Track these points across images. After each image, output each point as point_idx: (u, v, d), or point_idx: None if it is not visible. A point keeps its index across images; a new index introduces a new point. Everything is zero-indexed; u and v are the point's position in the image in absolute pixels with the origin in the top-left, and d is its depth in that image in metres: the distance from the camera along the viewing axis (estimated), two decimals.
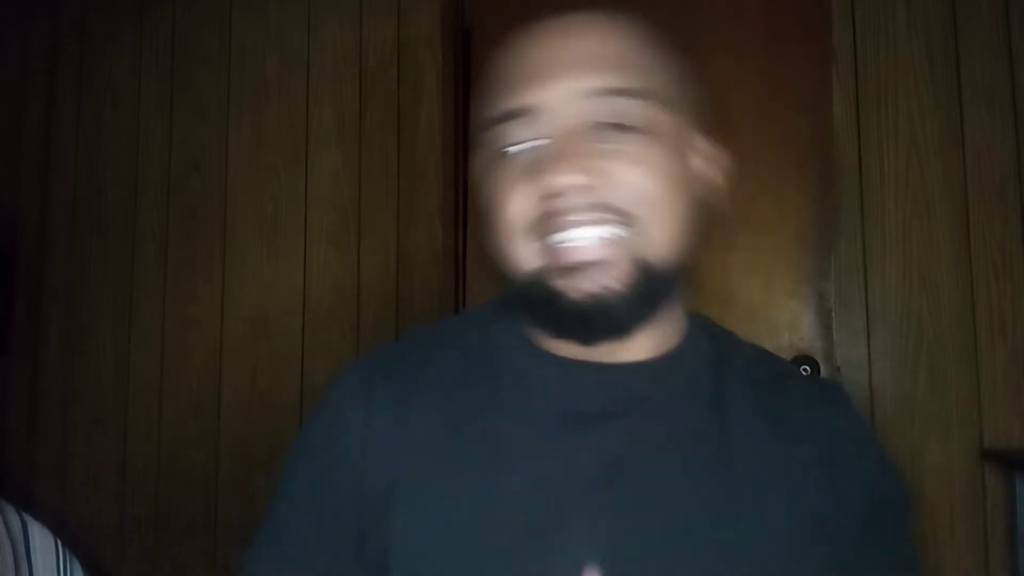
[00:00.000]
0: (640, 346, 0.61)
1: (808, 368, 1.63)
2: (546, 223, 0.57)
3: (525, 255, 0.58)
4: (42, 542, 0.83)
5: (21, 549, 0.81)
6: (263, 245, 1.91)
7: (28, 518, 0.84)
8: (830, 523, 0.59)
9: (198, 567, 1.84)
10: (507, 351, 0.65)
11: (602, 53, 0.59)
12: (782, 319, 1.68)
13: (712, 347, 0.66)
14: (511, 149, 0.59)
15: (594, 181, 0.56)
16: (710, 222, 0.65)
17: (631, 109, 0.58)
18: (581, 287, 0.56)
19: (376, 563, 0.59)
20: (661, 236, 0.58)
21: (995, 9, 1.60)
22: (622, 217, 0.56)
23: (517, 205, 0.58)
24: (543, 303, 0.58)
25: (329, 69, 1.92)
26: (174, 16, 2.04)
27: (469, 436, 0.60)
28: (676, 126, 0.60)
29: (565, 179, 0.55)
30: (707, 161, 0.65)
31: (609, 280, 0.56)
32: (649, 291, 0.57)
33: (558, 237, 0.56)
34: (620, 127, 0.57)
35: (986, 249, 1.57)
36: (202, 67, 2.00)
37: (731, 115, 1.70)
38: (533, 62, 0.60)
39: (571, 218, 0.56)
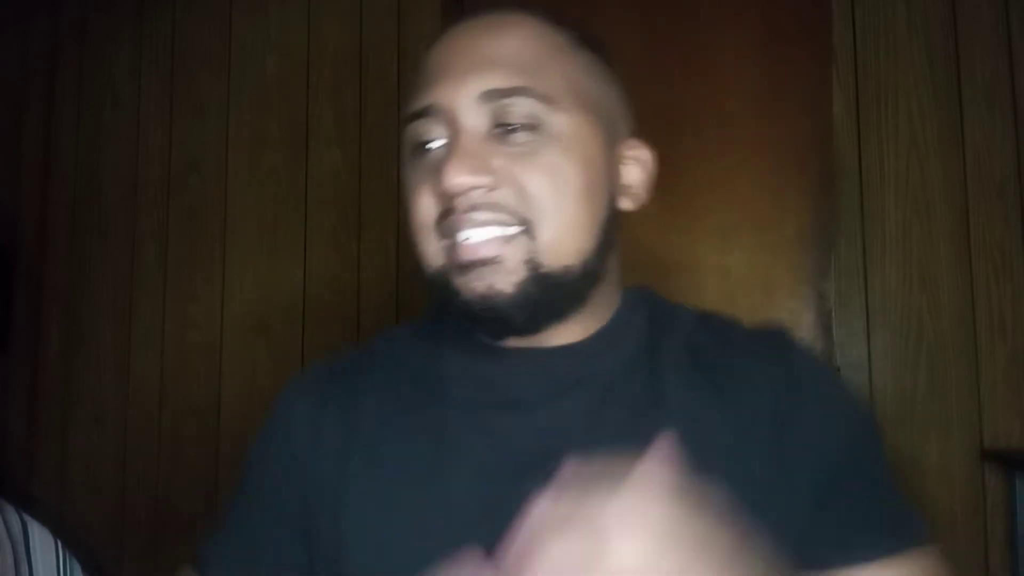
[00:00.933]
0: (573, 330, 0.62)
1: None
2: (445, 222, 0.58)
3: (431, 252, 0.60)
4: (42, 542, 0.83)
5: (21, 549, 0.81)
6: (263, 245, 1.91)
7: (28, 518, 0.84)
8: (785, 483, 0.58)
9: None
10: (450, 345, 0.66)
11: (504, 53, 0.59)
12: (782, 319, 1.68)
13: (650, 319, 0.66)
14: (420, 150, 0.61)
15: (489, 182, 0.57)
16: (623, 223, 0.65)
17: (530, 110, 0.58)
18: (472, 286, 0.57)
19: (329, 561, 0.61)
20: (558, 240, 0.58)
21: (995, 9, 1.60)
22: (517, 219, 0.57)
23: (423, 204, 0.60)
24: (447, 299, 0.60)
25: (329, 69, 1.92)
26: (174, 16, 2.04)
27: (414, 431, 0.62)
28: (583, 127, 0.60)
29: (460, 179, 0.56)
30: (627, 161, 0.65)
31: (499, 281, 0.57)
32: (543, 294, 0.58)
33: (456, 236, 0.58)
34: (519, 128, 0.58)
35: (986, 249, 1.57)
36: (202, 67, 2.00)
37: (731, 115, 1.71)
38: (441, 62, 0.61)
39: (467, 216, 0.57)
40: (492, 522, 0.55)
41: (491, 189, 0.57)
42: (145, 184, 2.01)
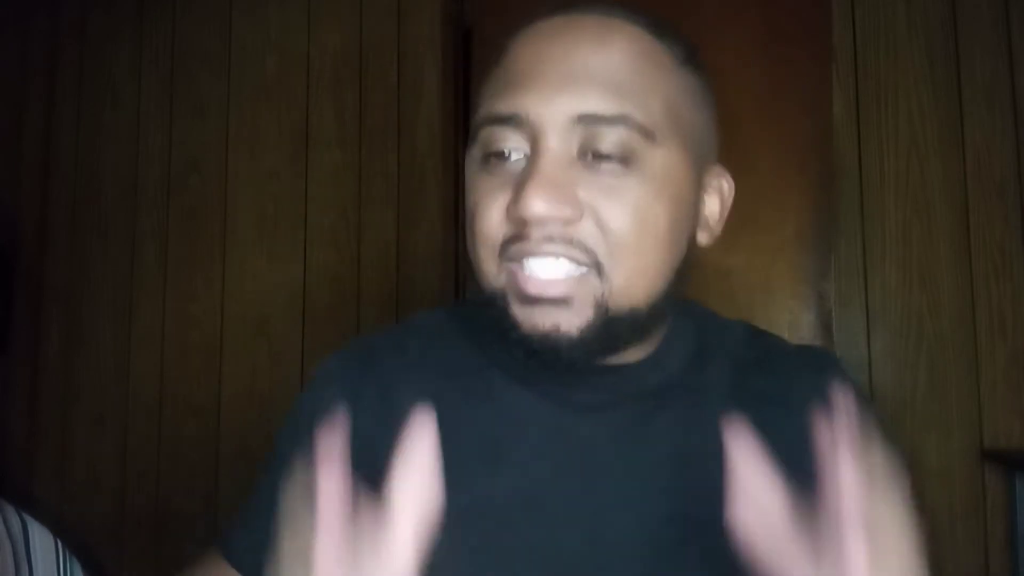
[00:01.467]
0: (626, 355, 0.60)
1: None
2: (514, 246, 0.54)
3: (491, 272, 0.56)
4: (42, 542, 0.83)
5: (21, 549, 0.81)
6: (263, 245, 1.91)
7: (28, 518, 0.84)
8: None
9: None
10: (495, 343, 0.62)
11: (605, 70, 0.54)
12: (782, 319, 1.68)
13: (696, 336, 0.64)
14: (495, 158, 0.56)
15: (571, 215, 0.52)
16: (699, 259, 0.62)
17: (626, 141, 0.53)
18: (535, 322, 0.53)
19: None
20: (632, 284, 0.54)
21: (995, 9, 1.60)
22: (591, 259, 0.53)
23: (491, 219, 0.55)
24: (500, 326, 0.56)
25: (329, 69, 1.92)
26: (174, 16, 2.04)
27: (456, 425, 0.58)
28: (677, 163, 0.56)
29: (540, 208, 0.51)
30: (710, 192, 0.62)
31: (565, 322, 0.53)
32: (608, 335, 0.54)
33: (522, 264, 0.54)
34: (610, 159, 0.53)
35: (986, 249, 1.57)
36: (202, 67, 2.00)
37: (731, 115, 1.70)
38: (531, 65, 0.55)
39: (539, 248, 0.53)
40: (529, 524, 0.56)
41: (570, 223, 0.53)
42: (145, 184, 2.01)
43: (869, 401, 0.67)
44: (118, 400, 1.97)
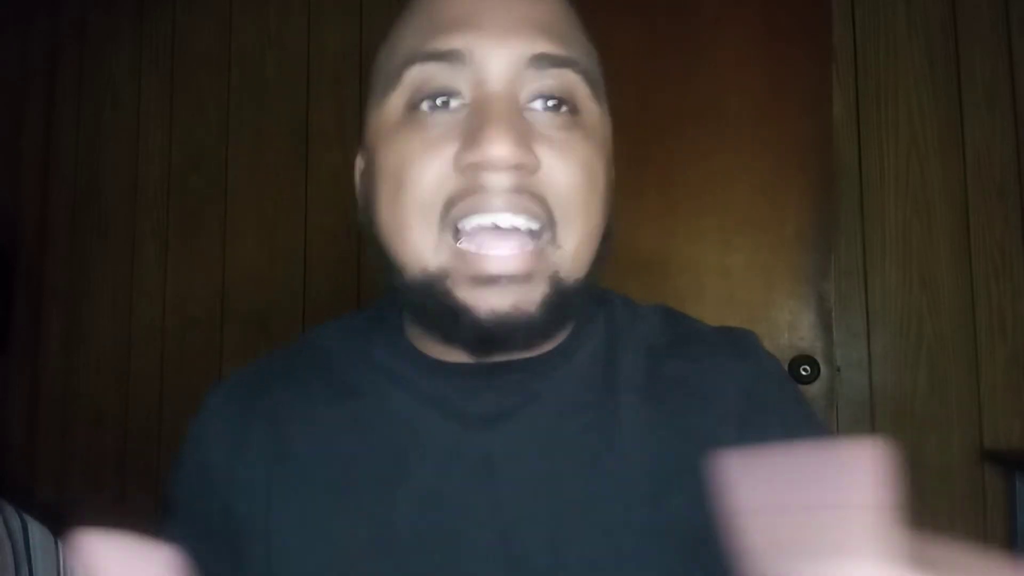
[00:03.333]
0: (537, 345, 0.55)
1: (808, 368, 1.63)
2: (463, 202, 0.47)
3: (427, 245, 0.48)
4: (42, 542, 0.83)
5: (21, 549, 0.81)
6: (263, 245, 1.91)
7: (28, 518, 0.84)
8: None
9: None
10: (389, 360, 0.57)
11: (547, 19, 0.50)
12: (782, 319, 1.68)
13: (608, 326, 0.59)
14: (427, 106, 0.49)
15: (533, 162, 0.47)
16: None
17: (574, 89, 0.50)
18: (492, 304, 0.47)
19: None
20: (580, 250, 0.50)
21: (995, 9, 1.60)
22: (547, 217, 0.48)
23: (429, 176, 0.48)
24: (439, 314, 0.49)
25: (329, 69, 1.92)
26: (174, 16, 2.04)
27: (351, 453, 0.54)
28: (605, 119, 0.53)
29: (504, 149, 0.45)
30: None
31: (525, 299, 0.47)
32: (559, 311, 0.50)
33: (475, 220, 0.47)
34: (560, 106, 0.49)
35: (986, 249, 1.57)
36: (202, 67, 2.00)
37: (731, 115, 1.70)
38: (469, 11, 0.50)
39: (496, 199, 0.47)
40: (438, 552, 0.51)
41: (532, 172, 0.47)
42: (145, 184, 2.01)
43: (793, 382, 0.61)
44: (118, 400, 1.97)
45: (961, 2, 1.62)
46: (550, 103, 0.49)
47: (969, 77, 1.61)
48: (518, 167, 0.46)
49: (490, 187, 0.47)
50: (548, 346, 0.55)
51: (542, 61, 0.48)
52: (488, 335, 0.48)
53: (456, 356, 0.53)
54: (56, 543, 0.85)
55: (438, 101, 0.49)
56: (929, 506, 1.52)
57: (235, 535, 0.55)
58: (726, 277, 1.69)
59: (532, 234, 0.48)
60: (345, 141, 1.89)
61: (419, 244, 0.49)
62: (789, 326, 1.67)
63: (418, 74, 0.49)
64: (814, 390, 1.63)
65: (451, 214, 0.48)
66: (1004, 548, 1.48)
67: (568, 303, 0.50)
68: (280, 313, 1.88)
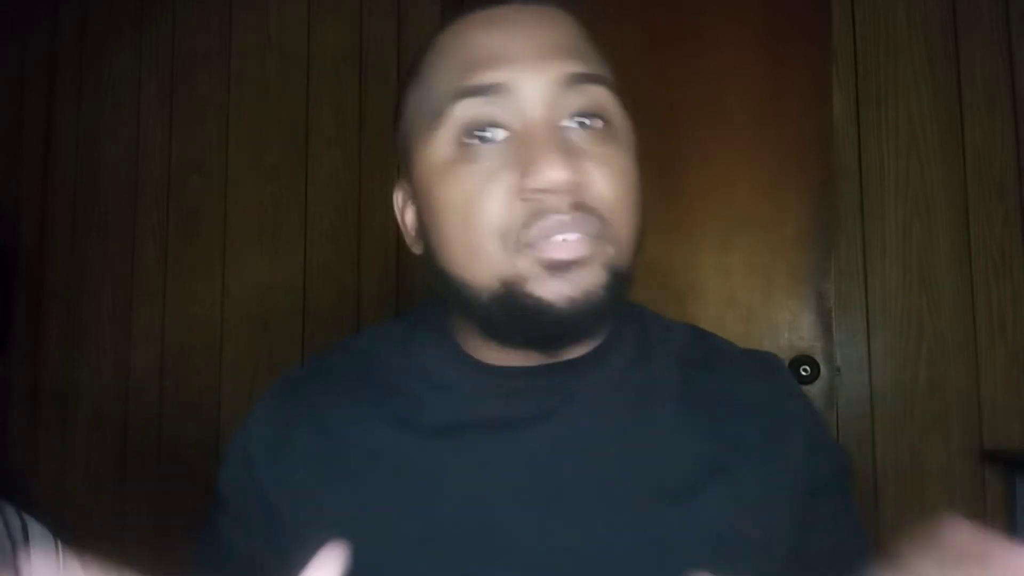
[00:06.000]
0: (573, 348, 0.58)
1: (808, 368, 1.63)
2: (536, 225, 0.51)
3: (498, 263, 0.52)
4: (42, 542, 0.83)
5: (21, 549, 0.81)
6: (263, 245, 1.91)
7: (28, 518, 0.84)
8: (768, 505, 0.56)
9: None
10: (433, 362, 0.61)
11: (569, 42, 0.55)
12: (782, 319, 1.68)
13: (641, 334, 0.63)
14: (475, 141, 0.53)
15: (584, 179, 0.52)
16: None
17: (605, 102, 0.55)
18: (560, 289, 0.51)
19: None
20: (627, 243, 0.55)
21: (995, 9, 1.60)
22: (599, 220, 0.52)
23: (495, 207, 0.52)
24: (520, 315, 0.52)
25: (329, 69, 1.92)
26: (174, 16, 2.04)
27: (396, 456, 0.56)
28: (631, 129, 0.58)
29: (561, 173, 0.50)
30: None
31: (591, 283, 0.52)
32: (616, 298, 0.54)
33: (544, 240, 0.51)
34: (595, 120, 0.54)
35: (986, 249, 1.57)
36: (202, 67, 2.00)
37: (731, 115, 1.70)
38: (498, 45, 0.54)
39: (558, 219, 0.51)
40: (487, 555, 0.53)
41: (578, 186, 0.52)
42: (145, 184, 2.01)
43: (815, 408, 0.66)
44: (118, 400, 1.97)
45: (961, 2, 1.62)
46: (585, 120, 0.54)
47: (969, 77, 1.61)
48: (574, 187, 0.51)
49: (554, 208, 0.51)
50: (584, 350, 0.58)
51: (573, 81, 0.53)
52: (567, 323, 0.52)
53: (503, 359, 0.57)
54: (56, 543, 0.85)
55: (487, 133, 0.53)
56: (929, 506, 1.52)
57: (282, 533, 0.57)
58: (726, 277, 1.69)
59: (590, 236, 0.52)
60: (345, 141, 1.89)
61: (494, 263, 0.52)
62: (789, 326, 1.67)
63: (463, 109, 0.53)
64: (814, 390, 1.63)
65: (522, 239, 0.51)
66: None
67: (622, 291, 0.55)
68: (280, 313, 1.88)
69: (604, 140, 0.54)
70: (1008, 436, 1.53)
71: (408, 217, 0.62)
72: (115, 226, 2.02)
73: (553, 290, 0.51)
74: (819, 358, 1.65)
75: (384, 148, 1.87)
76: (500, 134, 0.53)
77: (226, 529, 0.62)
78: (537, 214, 0.51)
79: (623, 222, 0.54)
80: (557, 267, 0.51)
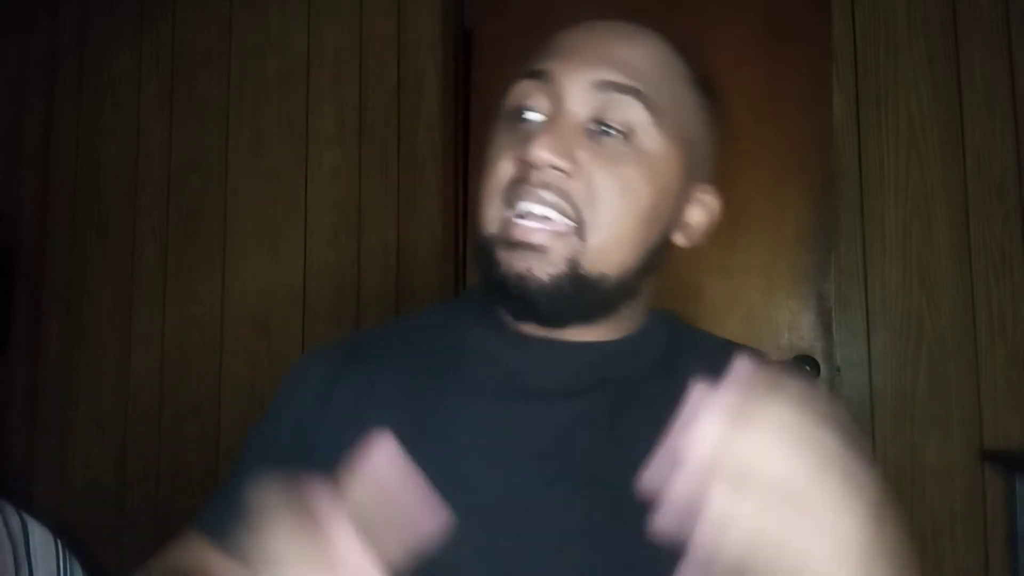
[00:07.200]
0: (597, 332, 0.64)
1: (808, 368, 1.63)
2: (513, 189, 0.59)
3: (490, 217, 0.61)
4: (42, 542, 0.83)
5: (21, 550, 0.81)
6: (263, 245, 1.91)
7: (28, 518, 0.84)
8: None
9: None
10: (474, 330, 0.67)
11: (629, 56, 0.61)
12: (782, 319, 1.68)
13: (672, 335, 0.68)
14: (517, 116, 0.62)
15: (569, 169, 0.58)
16: (671, 254, 0.67)
17: (632, 116, 0.59)
18: (512, 263, 0.58)
19: None
20: (606, 250, 0.59)
21: (995, 9, 1.60)
22: (575, 215, 0.58)
23: (500, 167, 0.61)
24: (490, 274, 0.60)
25: (329, 69, 1.92)
26: (174, 16, 2.04)
27: (425, 410, 0.62)
28: (670, 154, 0.61)
29: (545, 154, 0.57)
30: (696, 203, 0.67)
31: (538, 267, 0.58)
32: (575, 292, 0.59)
33: (518, 206, 0.59)
34: (614, 132, 0.59)
35: (986, 249, 1.57)
36: (202, 67, 2.00)
37: (731, 115, 1.70)
38: (569, 41, 0.63)
39: (535, 191, 0.58)
40: (509, 512, 0.57)
41: (567, 177, 0.58)
42: (145, 184, 2.01)
43: (841, 410, 0.68)
44: (118, 400, 1.97)
45: (961, 2, 1.62)
46: (608, 127, 0.60)
47: (969, 77, 1.61)
48: (553, 168, 0.58)
49: (531, 180, 0.59)
50: (610, 334, 0.64)
51: (606, 87, 0.59)
52: (506, 290, 0.59)
53: (534, 331, 0.63)
54: (56, 543, 0.85)
55: (529, 114, 0.62)
56: (929, 506, 1.52)
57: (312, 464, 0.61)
58: (726, 277, 1.69)
59: (557, 224, 0.58)
60: (345, 141, 1.89)
61: (487, 216, 0.61)
62: (789, 326, 1.67)
63: (518, 89, 0.63)
64: None
65: (506, 196, 0.60)
66: (1004, 548, 1.48)
67: (590, 290, 0.59)
68: (280, 313, 1.88)
69: (619, 147, 0.59)
70: (1008, 436, 1.52)
71: None
72: (115, 226, 2.02)
73: (507, 261, 0.59)
74: (819, 358, 1.65)
75: (384, 148, 1.87)
76: (539, 116, 0.61)
77: (272, 427, 0.68)
78: (519, 179, 0.59)
79: (605, 226, 0.59)
80: (512, 244, 0.59)
